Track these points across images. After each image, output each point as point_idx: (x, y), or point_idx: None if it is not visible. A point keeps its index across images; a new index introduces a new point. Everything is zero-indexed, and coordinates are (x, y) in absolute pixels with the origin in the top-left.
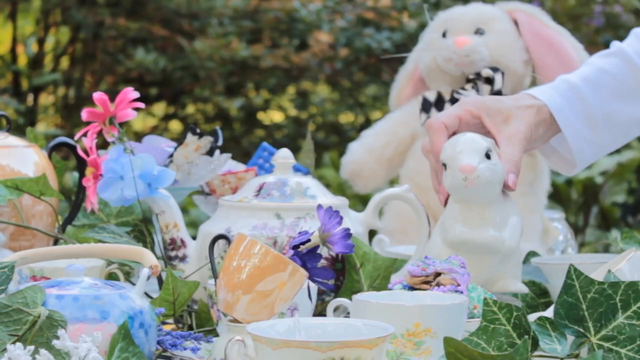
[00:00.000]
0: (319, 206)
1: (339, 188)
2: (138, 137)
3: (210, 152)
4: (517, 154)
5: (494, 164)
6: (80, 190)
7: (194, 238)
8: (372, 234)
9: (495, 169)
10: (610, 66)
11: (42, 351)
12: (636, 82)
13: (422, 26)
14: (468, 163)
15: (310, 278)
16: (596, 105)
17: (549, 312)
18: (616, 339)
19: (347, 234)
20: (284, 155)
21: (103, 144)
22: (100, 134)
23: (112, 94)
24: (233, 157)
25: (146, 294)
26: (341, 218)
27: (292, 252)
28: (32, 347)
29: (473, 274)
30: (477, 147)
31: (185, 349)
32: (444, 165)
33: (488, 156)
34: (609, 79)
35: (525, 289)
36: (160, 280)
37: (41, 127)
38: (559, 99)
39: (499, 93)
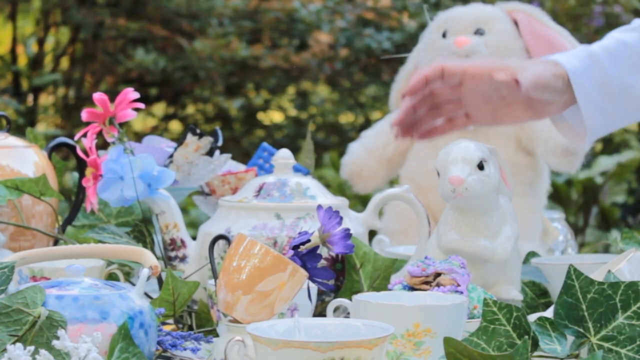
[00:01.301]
0: (319, 206)
1: (339, 188)
2: (138, 137)
3: (210, 153)
4: (538, 72)
5: (487, 175)
6: (80, 190)
7: (194, 238)
8: (372, 234)
9: (488, 180)
10: (631, 39)
11: (42, 351)
12: None
13: (422, 26)
14: (457, 175)
15: (310, 278)
16: (613, 74)
17: (549, 312)
18: (616, 339)
19: (347, 234)
20: (284, 155)
21: (103, 144)
22: (100, 134)
23: (112, 94)
24: (233, 158)
25: (146, 294)
26: (341, 218)
27: (292, 252)
28: (32, 348)
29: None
30: (470, 157)
31: (185, 349)
32: (438, 173)
33: (481, 167)
34: (629, 51)
35: (519, 297)
36: (160, 281)
37: (41, 128)
38: (576, 63)
39: None
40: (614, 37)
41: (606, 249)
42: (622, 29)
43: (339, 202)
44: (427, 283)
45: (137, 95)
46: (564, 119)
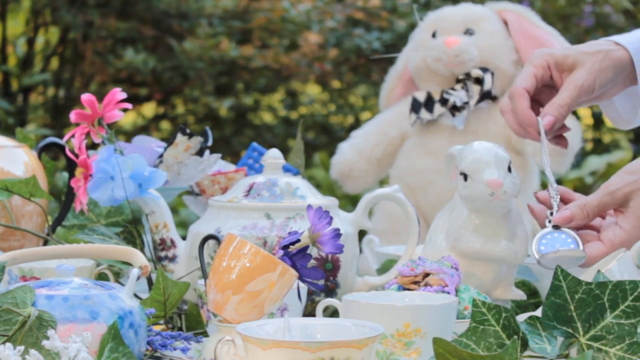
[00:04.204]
0: (309, 206)
1: (329, 188)
2: (128, 137)
3: (200, 153)
4: (566, 99)
5: (514, 177)
6: (70, 190)
7: (184, 238)
8: (362, 234)
9: (517, 182)
10: None
11: (32, 351)
12: None
13: (412, 26)
14: (496, 178)
15: (300, 278)
16: None
17: (540, 312)
18: (605, 338)
19: (337, 234)
20: (273, 155)
21: (93, 145)
22: (89, 134)
23: (102, 95)
24: (223, 158)
25: (135, 295)
26: (331, 218)
27: (281, 252)
28: (21, 348)
29: (478, 281)
30: (501, 160)
31: (175, 349)
32: (464, 174)
33: (509, 169)
34: None
35: (523, 295)
36: (150, 282)
37: (31, 128)
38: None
39: (488, 93)
40: None
41: None
42: None
43: (329, 202)
44: (416, 283)
45: (124, 95)
46: (613, 103)
